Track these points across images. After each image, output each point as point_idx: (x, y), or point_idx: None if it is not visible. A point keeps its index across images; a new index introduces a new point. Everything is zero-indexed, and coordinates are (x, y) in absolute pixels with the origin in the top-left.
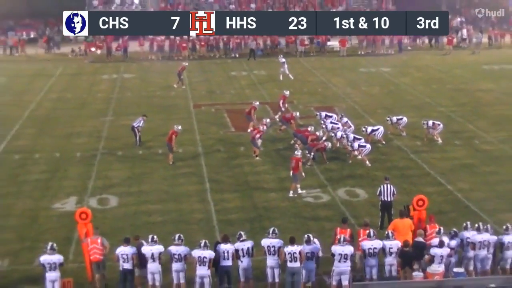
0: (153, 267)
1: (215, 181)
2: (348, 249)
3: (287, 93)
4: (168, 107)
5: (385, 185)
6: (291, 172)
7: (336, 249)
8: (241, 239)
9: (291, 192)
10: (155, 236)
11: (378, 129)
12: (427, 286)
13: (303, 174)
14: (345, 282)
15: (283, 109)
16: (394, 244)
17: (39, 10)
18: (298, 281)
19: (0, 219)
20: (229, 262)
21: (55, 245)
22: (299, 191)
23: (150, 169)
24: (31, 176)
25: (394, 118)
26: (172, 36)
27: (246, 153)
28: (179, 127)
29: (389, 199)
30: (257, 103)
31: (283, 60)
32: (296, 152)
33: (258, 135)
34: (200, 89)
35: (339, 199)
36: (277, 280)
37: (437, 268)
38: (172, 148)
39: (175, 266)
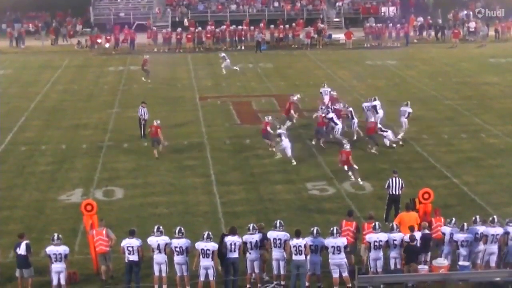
0: (159, 258)
1: (221, 173)
2: (341, 241)
3: (294, 98)
4: (174, 99)
5: (394, 178)
6: (344, 167)
7: (329, 241)
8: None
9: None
10: (160, 227)
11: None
12: (432, 279)
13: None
14: (344, 274)
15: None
16: (398, 237)
17: (46, 2)
18: (303, 273)
19: (6, 211)
20: (235, 254)
21: (60, 236)
22: (360, 182)
23: (155, 161)
24: (38, 167)
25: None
26: (179, 29)
27: (252, 146)
28: (158, 121)
29: (397, 193)
30: (295, 97)
31: (223, 54)
32: (345, 146)
33: (268, 127)
34: (206, 82)
35: (345, 192)
36: (282, 272)
37: (443, 262)
38: (160, 141)
39: (177, 259)
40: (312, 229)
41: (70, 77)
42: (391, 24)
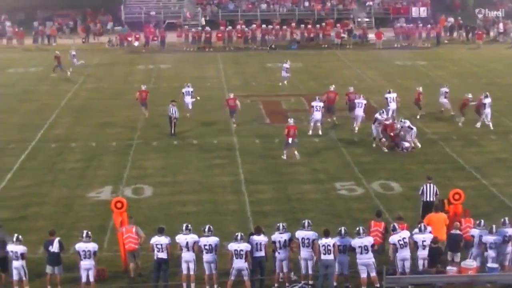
0: (187, 256)
1: (250, 172)
2: (367, 240)
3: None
4: (203, 98)
5: (428, 185)
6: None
7: (356, 242)
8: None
9: None
10: (189, 225)
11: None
12: (460, 281)
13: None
14: (372, 274)
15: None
16: (428, 237)
17: (77, 0)
18: (331, 273)
19: (36, 207)
20: (261, 253)
21: (90, 233)
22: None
23: (184, 159)
24: (67, 164)
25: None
26: (207, 28)
27: (281, 145)
28: (145, 86)
29: (431, 199)
30: (470, 95)
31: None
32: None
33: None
34: (235, 81)
35: (373, 192)
36: (310, 272)
37: (471, 263)
38: (147, 105)
39: (206, 257)
40: (339, 229)
41: (100, 75)
42: (421, 25)
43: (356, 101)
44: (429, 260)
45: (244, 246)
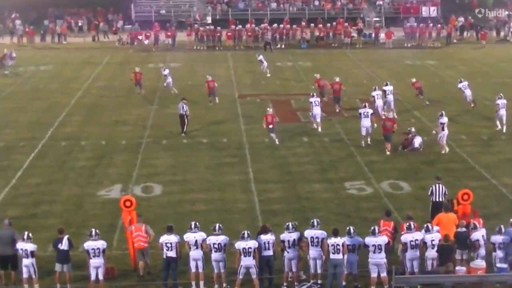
0: (196, 254)
1: (259, 171)
2: (382, 240)
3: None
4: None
5: (437, 185)
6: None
7: (370, 240)
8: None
9: None
10: (197, 223)
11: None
12: (469, 281)
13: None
14: (383, 274)
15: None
16: (436, 237)
17: None
18: (340, 273)
19: (46, 205)
20: (270, 252)
21: (98, 231)
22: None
23: (194, 158)
24: (77, 163)
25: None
26: (218, 27)
27: (290, 144)
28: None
29: (440, 199)
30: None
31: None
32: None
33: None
34: (245, 80)
35: (383, 192)
36: (319, 271)
37: (480, 263)
38: (142, 85)
39: (215, 256)
40: (348, 228)
41: (111, 74)
42: (431, 24)
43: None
44: (439, 258)
45: (252, 244)
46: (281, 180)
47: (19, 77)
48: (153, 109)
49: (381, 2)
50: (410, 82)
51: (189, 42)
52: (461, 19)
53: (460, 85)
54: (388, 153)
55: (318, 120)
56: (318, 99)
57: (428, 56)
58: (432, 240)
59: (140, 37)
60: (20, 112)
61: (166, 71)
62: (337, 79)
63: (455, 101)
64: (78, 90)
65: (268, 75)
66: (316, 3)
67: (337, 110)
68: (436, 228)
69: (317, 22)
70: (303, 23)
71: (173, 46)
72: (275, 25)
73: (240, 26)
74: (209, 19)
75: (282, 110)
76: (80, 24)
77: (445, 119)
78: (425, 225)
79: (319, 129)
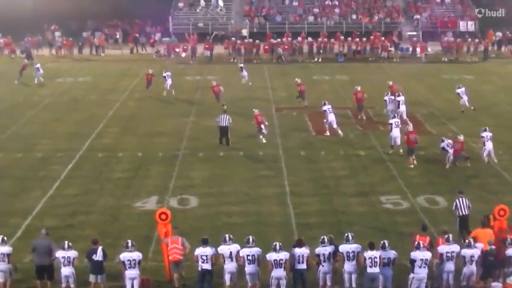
0: (230, 266)
1: (295, 184)
2: (428, 255)
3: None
4: (250, 110)
5: (461, 199)
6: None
7: (417, 255)
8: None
9: None
10: (231, 236)
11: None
12: None
13: None
14: None
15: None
16: (476, 252)
17: (125, 11)
18: (376, 287)
19: (82, 215)
20: (303, 266)
21: (134, 242)
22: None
23: (231, 170)
24: (114, 174)
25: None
26: (257, 40)
27: (326, 158)
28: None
29: (466, 213)
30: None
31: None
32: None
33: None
34: (281, 92)
35: (419, 206)
36: (354, 286)
37: None
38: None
39: (249, 268)
40: (382, 242)
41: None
42: (469, 39)
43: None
44: (483, 272)
45: (283, 256)
46: (317, 194)
47: (58, 88)
48: (190, 121)
49: (418, 16)
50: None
51: (226, 54)
52: (499, 33)
53: (458, 90)
54: (412, 166)
55: (335, 126)
56: (330, 106)
57: (465, 71)
58: (471, 256)
59: (177, 50)
60: (58, 123)
61: (167, 73)
62: (359, 88)
63: (491, 116)
64: (116, 102)
65: (250, 83)
66: (354, 16)
67: (361, 117)
68: (480, 245)
69: (353, 36)
70: (341, 37)
71: (210, 59)
72: (310, 38)
73: (278, 39)
74: (244, 32)
75: (318, 123)
76: (115, 36)
77: (487, 134)
78: (467, 241)
79: (340, 133)
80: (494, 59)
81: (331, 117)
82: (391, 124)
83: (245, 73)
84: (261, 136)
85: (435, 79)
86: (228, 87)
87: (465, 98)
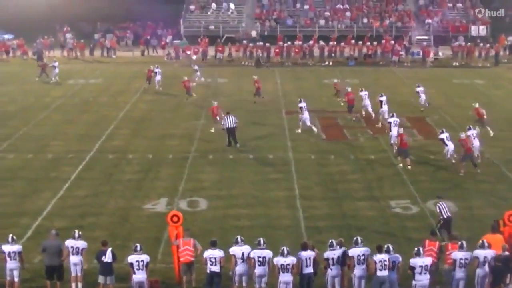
0: (241, 268)
1: (305, 188)
2: (428, 260)
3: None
4: (260, 113)
5: (442, 203)
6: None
7: (416, 261)
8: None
9: None
10: (242, 237)
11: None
12: None
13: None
14: None
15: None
16: (489, 254)
17: (137, 14)
18: None
19: (92, 217)
20: (310, 270)
21: (142, 246)
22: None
23: (240, 173)
24: (124, 176)
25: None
26: (267, 44)
27: (336, 161)
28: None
29: (450, 215)
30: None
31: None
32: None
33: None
34: (292, 96)
35: (428, 211)
36: None
37: None
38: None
39: (259, 270)
40: (387, 246)
41: (158, 87)
42: (481, 44)
43: (390, 119)
44: (493, 279)
45: (290, 260)
46: (327, 197)
47: (69, 90)
48: (200, 124)
49: (430, 21)
50: (473, 106)
51: (236, 57)
52: (510, 38)
53: (418, 89)
54: (409, 167)
55: (308, 123)
56: (305, 104)
57: (476, 76)
58: (485, 257)
59: (188, 52)
60: (69, 124)
61: (157, 70)
62: (349, 89)
63: (502, 121)
64: (127, 104)
65: (209, 79)
66: (365, 20)
67: (353, 118)
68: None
69: (365, 39)
70: (352, 41)
71: (221, 62)
72: (321, 42)
73: (289, 43)
74: (253, 33)
75: (328, 127)
76: (128, 37)
77: (473, 131)
78: (480, 242)
79: (315, 129)
80: (505, 64)
81: (306, 115)
82: (390, 123)
83: (198, 74)
84: (213, 128)
85: (446, 84)
86: (239, 89)
87: (423, 97)
